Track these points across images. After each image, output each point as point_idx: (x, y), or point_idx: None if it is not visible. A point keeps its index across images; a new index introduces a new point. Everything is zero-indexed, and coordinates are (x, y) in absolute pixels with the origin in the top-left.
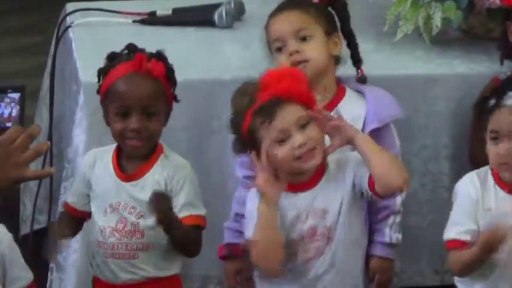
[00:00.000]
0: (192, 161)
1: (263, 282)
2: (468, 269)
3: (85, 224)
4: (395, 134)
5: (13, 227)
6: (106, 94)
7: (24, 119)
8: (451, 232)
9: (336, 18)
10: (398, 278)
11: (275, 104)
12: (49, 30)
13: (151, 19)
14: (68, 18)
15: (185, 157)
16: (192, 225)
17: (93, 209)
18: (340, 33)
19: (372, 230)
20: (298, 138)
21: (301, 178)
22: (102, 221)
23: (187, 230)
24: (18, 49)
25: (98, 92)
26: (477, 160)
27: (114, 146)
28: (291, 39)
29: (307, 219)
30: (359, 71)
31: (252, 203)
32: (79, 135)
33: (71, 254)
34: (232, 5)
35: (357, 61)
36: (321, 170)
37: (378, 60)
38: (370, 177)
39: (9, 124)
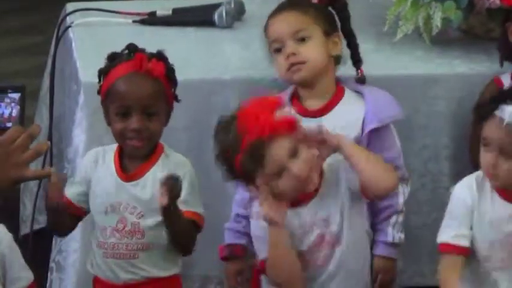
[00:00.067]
0: (192, 161)
1: None
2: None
3: (85, 224)
4: (395, 134)
5: (13, 227)
6: (106, 94)
7: (24, 119)
8: (444, 235)
9: (337, 18)
10: (398, 278)
11: (261, 146)
12: (49, 30)
13: (151, 19)
14: (68, 18)
15: (185, 157)
16: (191, 221)
17: (93, 208)
18: (340, 33)
19: (374, 230)
20: (294, 167)
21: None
22: (102, 221)
23: (185, 223)
24: (18, 49)
25: (99, 92)
26: (478, 161)
27: (115, 145)
28: (289, 40)
29: (313, 230)
30: (359, 71)
31: (255, 223)
32: (79, 135)
33: (71, 254)
34: (232, 5)
35: (356, 61)
36: (319, 180)
37: (378, 60)
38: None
39: (9, 124)
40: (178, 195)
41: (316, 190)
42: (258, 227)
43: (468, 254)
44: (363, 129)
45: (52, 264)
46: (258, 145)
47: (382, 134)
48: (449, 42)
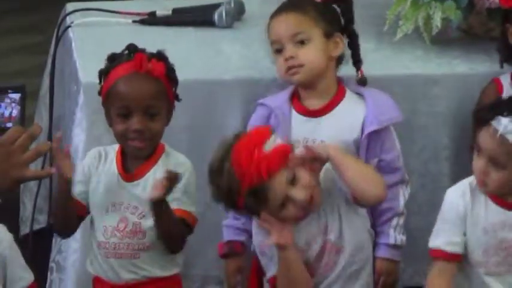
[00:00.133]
0: (192, 161)
1: None
2: None
3: (85, 224)
4: (395, 136)
5: (13, 227)
6: (107, 95)
7: (25, 119)
8: (435, 240)
9: (341, 16)
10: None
11: (262, 189)
12: (49, 30)
13: (151, 19)
14: (68, 18)
15: (185, 157)
16: (180, 219)
17: (93, 208)
18: (341, 34)
19: (376, 232)
20: (297, 195)
21: None
22: (103, 220)
23: (174, 220)
24: (18, 49)
25: (99, 93)
26: None
27: (117, 145)
28: (288, 43)
29: (315, 240)
30: (359, 72)
31: (257, 237)
32: (79, 135)
33: (71, 254)
34: (232, 5)
35: (357, 61)
36: None
37: (378, 60)
38: None
39: (9, 124)
40: (170, 192)
41: None
42: (263, 245)
43: (459, 261)
44: (362, 131)
45: (52, 264)
46: (259, 188)
47: (382, 135)
48: (449, 42)
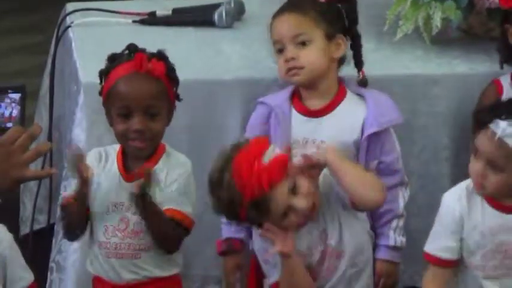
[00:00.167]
0: (192, 161)
1: None
2: None
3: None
4: (395, 138)
5: (13, 227)
6: (108, 95)
7: (25, 119)
8: (431, 245)
9: (345, 17)
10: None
11: (264, 200)
12: (49, 30)
13: (151, 19)
14: (68, 18)
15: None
16: (169, 218)
17: (94, 207)
18: (344, 35)
19: (375, 234)
20: (299, 204)
21: None
22: (104, 220)
23: (163, 220)
24: (18, 49)
25: (100, 93)
26: None
27: (118, 145)
28: (289, 44)
29: (316, 245)
30: (360, 73)
31: (257, 244)
32: (79, 135)
33: (71, 254)
34: (232, 5)
35: (358, 63)
36: None
37: (378, 60)
38: None
39: (10, 124)
40: (148, 187)
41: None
42: (266, 252)
43: (453, 266)
44: (362, 132)
45: (52, 264)
46: (261, 200)
47: (382, 137)
48: (449, 42)
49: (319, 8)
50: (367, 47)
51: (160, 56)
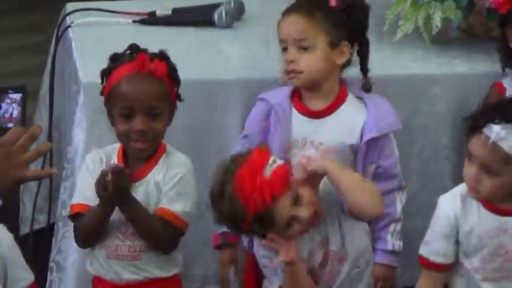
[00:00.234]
0: (192, 161)
1: None
2: None
3: None
4: (394, 144)
5: (13, 227)
6: (109, 95)
7: (25, 119)
8: (425, 248)
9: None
10: (397, 278)
11: (268, 214)
12: (49, 30)
13: (151, 19)
14: (67, 18)
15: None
16: (159, 217)
17: None
18: (350, 41)
19: (373, 238)
20: (302, 214)
21: None
22: None
23: (149, 218)
24: (18, 49)
25: (102, 93)
26: None
27: (117, 145)
28: (292, 46)
29: (318, 250)
30: (365, 78)
31: (258, 251)
32: (79, 135)
33: (71, 254)
34: (232, 5)
35: (364, 69)
36: None
37: (378, 60)
38: None
39: (10, 125)
40: (124, 183)
41: None
42: (269, 261)
43: (447, 270)
44: (361, 137)
45: (52, 264)
46: (264, 214)
47: (381, 142)
48: (449, 42)
49: (328, 12)
50: None
51: (162, 56)
